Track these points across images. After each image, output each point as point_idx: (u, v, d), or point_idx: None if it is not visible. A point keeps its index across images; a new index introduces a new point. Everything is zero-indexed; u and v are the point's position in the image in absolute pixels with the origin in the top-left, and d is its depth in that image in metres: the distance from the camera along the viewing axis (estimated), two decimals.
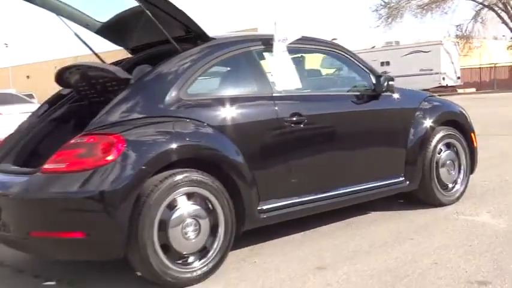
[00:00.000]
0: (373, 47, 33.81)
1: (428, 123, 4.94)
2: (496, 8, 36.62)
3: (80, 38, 4.51)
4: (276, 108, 4.04)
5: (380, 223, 4.61)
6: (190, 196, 3.48)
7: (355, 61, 4.80)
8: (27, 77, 54.21)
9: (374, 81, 4.71)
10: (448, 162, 5.08)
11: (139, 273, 3.52)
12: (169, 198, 3.38)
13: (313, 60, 5.63)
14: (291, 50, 4.35)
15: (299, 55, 4.92)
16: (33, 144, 4.28)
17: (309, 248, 4.04)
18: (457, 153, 5.19)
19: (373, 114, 4.71)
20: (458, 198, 5.14)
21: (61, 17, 4.38)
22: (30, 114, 4.69)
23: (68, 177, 3.29)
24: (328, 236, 4.31)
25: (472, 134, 5.38)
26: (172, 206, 3.40)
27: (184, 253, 3.44)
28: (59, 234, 3.28)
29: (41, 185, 3.34)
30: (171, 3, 3.81)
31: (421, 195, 4.99)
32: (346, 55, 4.77)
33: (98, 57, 4.69)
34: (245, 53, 4.13)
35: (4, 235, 3.54)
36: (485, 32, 39.11)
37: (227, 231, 3.60)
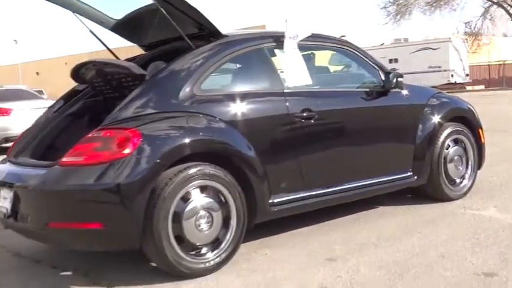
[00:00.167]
0: (382, 44, 33.73)
1: (436, 119, 5.02)
2: (505, 5, 36.44)
3: (95, 35, 4.62)
4: (287, 104, 4.12)
5: (388, 217, 4.69)
6: (203, 189, 3.58)
7: (365, 58, 4.88)
8: (37, 73, 54.47)
9: (383, 78, 4.79)
10: (455, 157, 5.16)
11: (154, 264, 3.63)
12: (183, 191, 3.48)
13: (322, 57, 5.71)
14: (302, 47, 4.42)
15: (309, 52, 5.01)
16: (50, 139, 4.39)
17: (318, 241, 4.13)
18: (464, 149, 5.26)
19: (382, 110, 4.78)
20: (465, 193, 5.21)
21: (76, 15, 4.49)
22: (46, 109, 4.79)
23: (85, 170, 3.40)
24: (337, 229, 4.39)
25: (480, 130, 5.45)
26: (186, 199, 3.50)
27: (197, 244, 3.54)
28: (77, 225, 3.39)
29: (59, 177, 3.45)
30: (185, 1, 3.90)
31: (429, 190, 5.07)
32: (355, 52, 4.84)
33: (113, 53, 4.79)
34: (257, 50, 4.23)
35: (22, 225, 3.66)
36: (494, 29, 38.96)
37: (239, 224, 3.70)
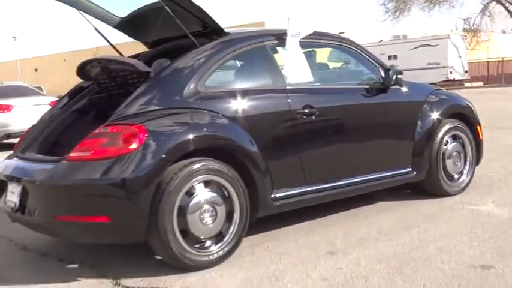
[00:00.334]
0: (381, 40, 33.82)
1: (435, 115, 5.10)
2: (504, 2, 36.51)
3: (100, 32, 4.69)
4: (289, 100, 4.20)
5: (388, 212, 4.77)
6: (207, 184, 3.66)
7: (365, 55, 4.95)
8: (36, 69, 54.45)
9: (383, 75, 4.86)
10: (454, 153, 5.24)
11: (159, 257, 3.72)
12: (188, 185, 3.56)
13: (321, 54, 5.78)
14: (303, 45, 4.50)
15: (310, 49, 5.08)
16: (56, 135, 4.47)
17: (319, 235, 4.22)
18: (463, 145, 5.34)
19: (382, 107, 4.87)
20: (463, 189, 5.30)
21: (81, 13, 4.55)
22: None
23: (92, 165, 3.48)
24: (337, 224, 4.48)
25: (478, 127, 5.53)
26: (190, 193, 3.58)
27: (201, 238, 3.62)
28: (84, 218, 3.48)
29: (66, 172, 3.53)
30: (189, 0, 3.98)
31: (427, 185, 5.15)
32: (356, 49, 4.92)
33: (117, 51, 4.86)
34: (259, 48, 4.30)
35: (30, 219, 3.75)
36: (493, 25, 39.06)
37: (242, 217, 3.78)
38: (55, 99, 14.02)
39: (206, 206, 3.62)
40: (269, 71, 4.31)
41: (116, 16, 4.67)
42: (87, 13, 4.56)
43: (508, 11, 36.69)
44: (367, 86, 4.86)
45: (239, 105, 3.98)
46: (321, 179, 4.37)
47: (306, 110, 4.25)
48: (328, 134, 4.48)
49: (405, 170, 4.95)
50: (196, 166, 3.59)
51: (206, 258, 3.62)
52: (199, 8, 4.06)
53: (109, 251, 4.07)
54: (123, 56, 4.70)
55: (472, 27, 37.82)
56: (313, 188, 4.30)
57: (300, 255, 3.79)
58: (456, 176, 5.28)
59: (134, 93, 3.79)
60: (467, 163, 5.38)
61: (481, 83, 35.29)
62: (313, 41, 4.73)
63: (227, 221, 3.74)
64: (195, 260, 3.57)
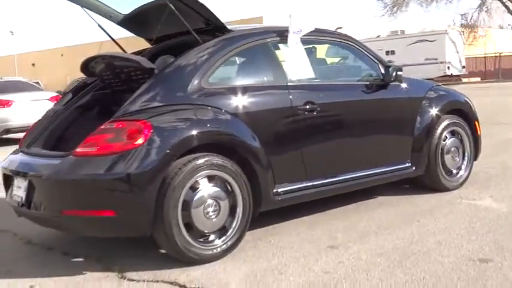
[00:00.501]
0: (378, 36, 33.87)
1: (434, 111, 5.17)
2: None
3: (103, 29, 4.73)
4: (291, 96, 4.26)
5: (387, 206, 4.84)
6: (211, 179, 3.72)
7: (365, 52, 5.02)
8: (33, 64, 54.35)
9: (383, 71, 4.93)
10: (452, 149, 5.31)
11: (163, 251, 3.78)
12: (192, 180, 3.62)
13: (319, 49, 5.83)
14: (304, 41, 4.56)
15: (311, 46, 5.14)
16: (60, 130, 4.53)
17: (320, 229, 4.28)
18: (461, 140, 5.42)
19: (382, 103, 4.93)
20: (462, 184, 5.38)
21: (85, 9, 4.60)
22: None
23: (98, 160, 3.54)
24: (338, 218, 4.55)
25: (476, 123, 5.60)
26: (194, 188, 3.64)
27: (205, 232, 3.69)
28: (90, 212, 3.54)
29: (73, 167, 3.59)
30: None
31: (426, 180, 5.23)
32: (356, 46, 4.98)
33: (121, 48, 4.91)
34: (261, 45, 4.36)
35: (36, 213, 3.81)
36: (491, 21, 39.14)
37: (245, 212, 3.85)
38: (55, 94, 14.09)
39: (210, 201, 3.68)
40: (271, 68, 4.37)
41: (120, 13, 4.72)
42: (91, 10, 4.60)
43: (506, 6, 36.74)
44: (368, 83, 4.92)
45: (242, 102, 4.03)
46: (322, 174, 4.43)
47: (308, 106, 4.31)
48: (329, 130, 4.54)
49: (404, 165, 5.02)
50: (200, 161, 3.65)
51: (210, 252, 3.68)
52: (202, 5, 4.12)
53: (114, 245, 4.13)
54: (126, 52, 4.75)
55: (470, 23, 37.89)
56: (314, 183, 4.36)
57: (302, 249, 3.86)
58: (455, 171, 5.36)
59: (139, 90, 3.84)
60: (466, 158, 5.45)
61: (478, 79, 35.40)
62: (315, 38, 4.79)
63: (230, 215, 3.80)
64: (200, 253, 3.64)
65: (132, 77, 4.28)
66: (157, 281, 3.44)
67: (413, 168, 5.04)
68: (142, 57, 4.33)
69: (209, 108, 3.89)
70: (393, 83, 4.96)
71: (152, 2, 4.37)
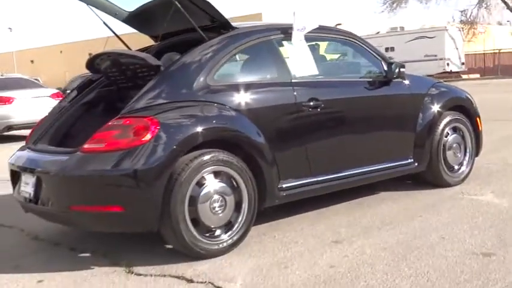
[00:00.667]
0: (378, 32, 33.87)
1: (436, 108, 5.21)
2: None
3: (108, 26, 4.76)
4: (295, 93, 4.30)
5: (390, 202, 4.89)
6: (217, 174, 3.76)
7: (368, 49, 5.06)
8: (32, 61, 54.36)
9: (386, 68, 4.97)
10: (454, 145, 5.36)
11: (170, 246, 3.82)
12: (199, 176, 3.66)
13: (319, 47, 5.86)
14: (308, 38, 4.60)
15: (314, 43, 5.18)
16: (66, 127, 4.57)
17: (324, 224, 4.33)
18: (463, 136, 5.46)
19: (384, 100, 4.98)
20: (463, 180, 5.42)
21: (91, 7, 4.63)
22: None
23: (106, 156, 3.58)
24: (342, 214, 4.59)
25: (478, 119, 5.65)
26: (201, 184, 3.69)
27: (212, 227, 3.74)
28: (98, 208, 3.58)
29: (81, 163, 3.64)
30: None
31: (428, 176, 5.27)
32: (359, 43, 5.03)
33: (125, 44, 4.94)
34: (266, 42, 4.40)
35: (44, 209, 3.85)
36: (490, 17, 39.14)
37: (250, 207, 3.89)
38: (56, 91, 14.12)
39: (216, 196, 3.73)
40: (275, 65, 4.41)
41: (125, 10, 4.76)
42: (96, 7, 4.64)
43: (505, 2, 36.74)
44: (371, 79, 4.97)
45: (247, 98, 4.08)
46: (325, 169, 4.48)
47: (312, 103, 4.35)
48: (333, 126, 4.59)
49: (407, 161, 5.06)
50: (207, 157, 3.69)
51: (216, 247, 3.73)
52: (207, 2, 4.16)
53: (120, 240, 4.17)
54: (130, 49, 4.79)
55: (469, 19, 37.89)
56: (318, 178, 4.41)
57: (306, 244, 3.90)
58: (456, 167, 5.40)
59: (146, 87, 3.88)
60: (467, 154, 5.50)
61: (477, 75, 35.43)
62: (319, 35, 4.83)
63: (236, 210, 3.85)
64: (206, 248, 3.68)
65: (138, 74, 4.32)
66: (164, 276, 3.48)
67: (416, 164, 5.09)
68: (148, 54, 4.36)
69: (215, 105, 3.93)
70: (396, 79, 5.00)
71: None
